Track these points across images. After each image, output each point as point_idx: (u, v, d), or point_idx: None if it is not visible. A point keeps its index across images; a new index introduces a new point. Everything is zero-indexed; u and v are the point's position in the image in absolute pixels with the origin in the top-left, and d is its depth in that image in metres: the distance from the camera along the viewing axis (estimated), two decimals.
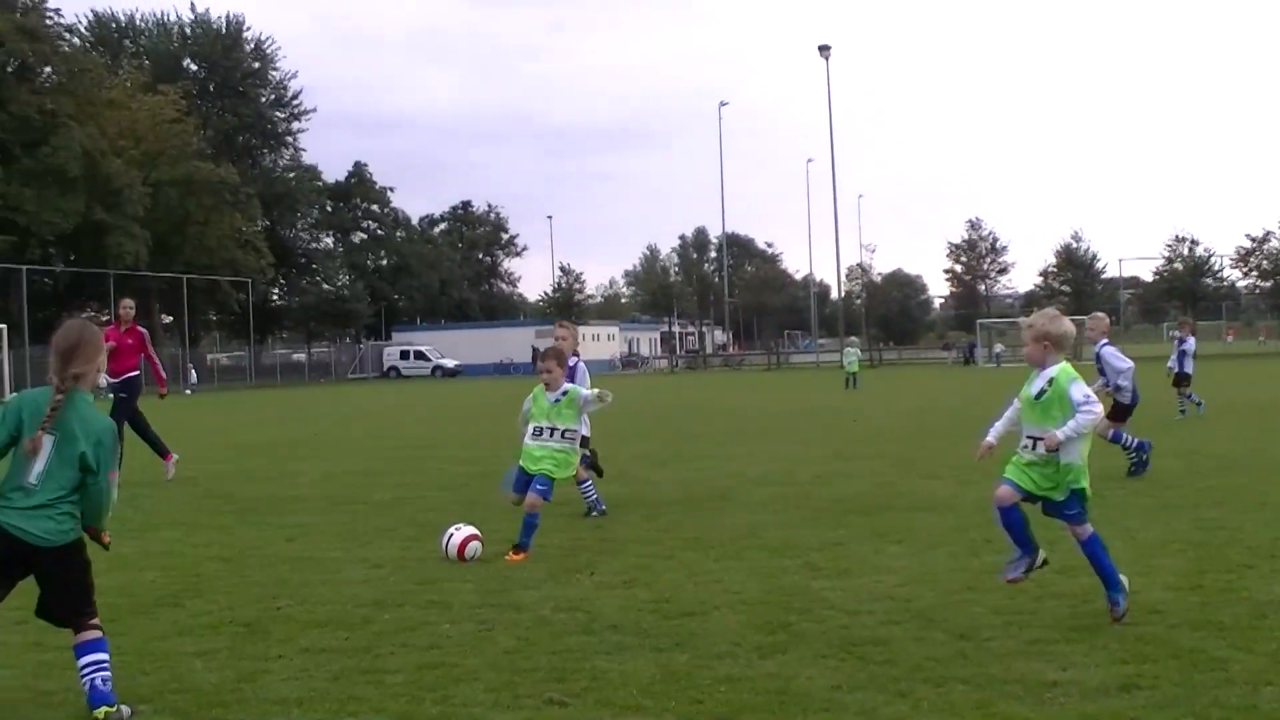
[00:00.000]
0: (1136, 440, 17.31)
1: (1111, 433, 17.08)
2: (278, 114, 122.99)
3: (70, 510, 7.40)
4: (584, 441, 14.79)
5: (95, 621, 7.57)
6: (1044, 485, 8.88)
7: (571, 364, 15.01)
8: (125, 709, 7.27)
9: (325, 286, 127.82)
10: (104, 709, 7.23)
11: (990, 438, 9.31)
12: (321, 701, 7.46)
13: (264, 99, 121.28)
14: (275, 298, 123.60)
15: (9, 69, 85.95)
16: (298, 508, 16.74)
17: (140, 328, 21.85)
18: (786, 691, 7.28)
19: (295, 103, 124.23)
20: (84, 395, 7.68)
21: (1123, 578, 8.97)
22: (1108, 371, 17.72)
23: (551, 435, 12.84)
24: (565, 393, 12.93)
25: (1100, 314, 18.79)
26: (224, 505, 17.58)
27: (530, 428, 12.98)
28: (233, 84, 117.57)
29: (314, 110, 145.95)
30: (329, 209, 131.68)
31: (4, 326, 72.04)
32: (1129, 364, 17.80)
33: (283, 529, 14.61)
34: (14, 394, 7.24)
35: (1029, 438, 8.93)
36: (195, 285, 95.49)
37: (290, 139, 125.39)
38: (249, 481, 20.87)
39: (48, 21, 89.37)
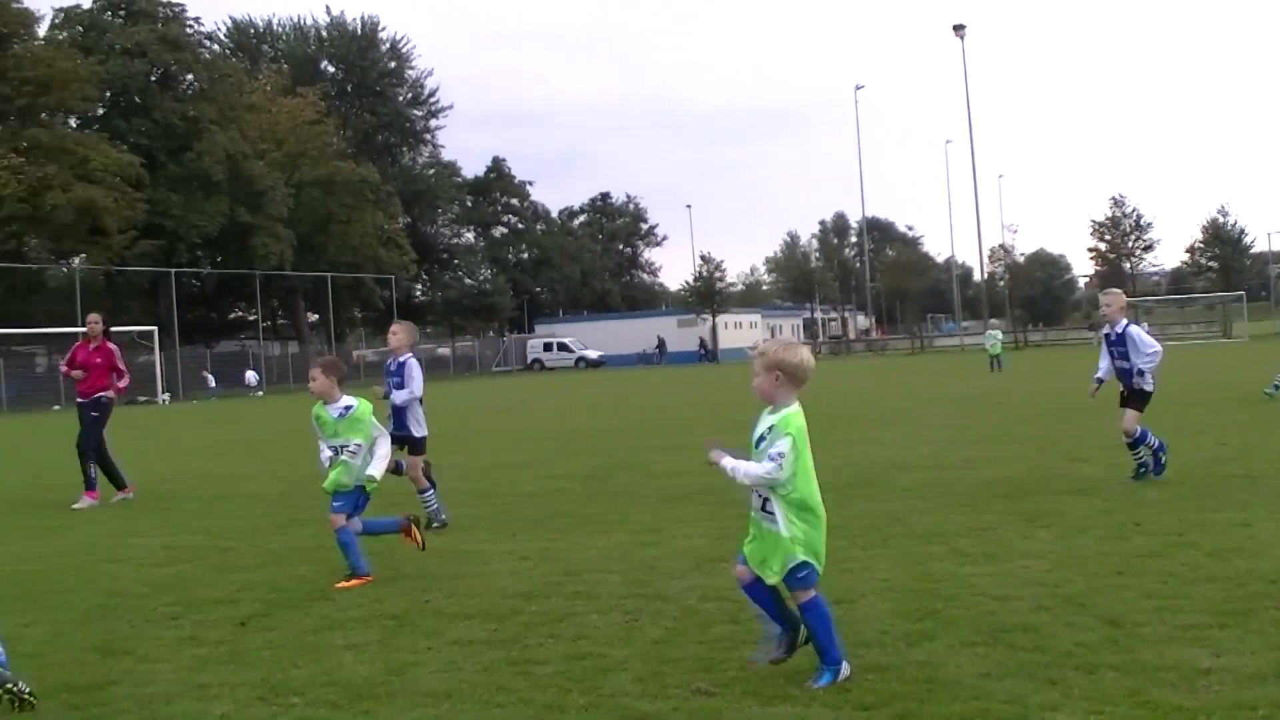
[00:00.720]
0: (1159, 441, 16.09)
1: (1139, 431, 15.83)
2: (415, 112, 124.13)
3: None
4: (417, 447, 14.75)
5: None
6: (754, 559, 7.40)
7: (401, 360, 14.91)
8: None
9: (467, 281, 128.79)
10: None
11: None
12: (470, 693, 7.51)
13: (401, 98, 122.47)
14: (418, 293, 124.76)
15: (153, 78, 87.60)
16: (445, 501, 16.87)
17: (111, 344, 20.15)
18: (934, 680, 7.21)
19: (432, 100, 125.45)
20: None
21: (845, 666, 7.31)
22: (1133, 354, 16.23)
23: (341, 453, 11.51)
24: (350, 408, 11.55)
25: (1115, 290, 17.43)
26: (374, 499, 17.75)
27: (324, 449, 11.66)
28: (370, 84, 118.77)
29: (451, 107, 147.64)
30: (469, 204, 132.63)
31: (155, 328, 73.44)
32: (1158, 348, 16.54)
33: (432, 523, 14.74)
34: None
35: (756, 494, 7.41)
36: (339, 283, 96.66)
37: (428, 136, 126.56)
38: (396, 476, 21.07)
39: (188, 30, 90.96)
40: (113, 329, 21.97)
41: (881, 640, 8.18)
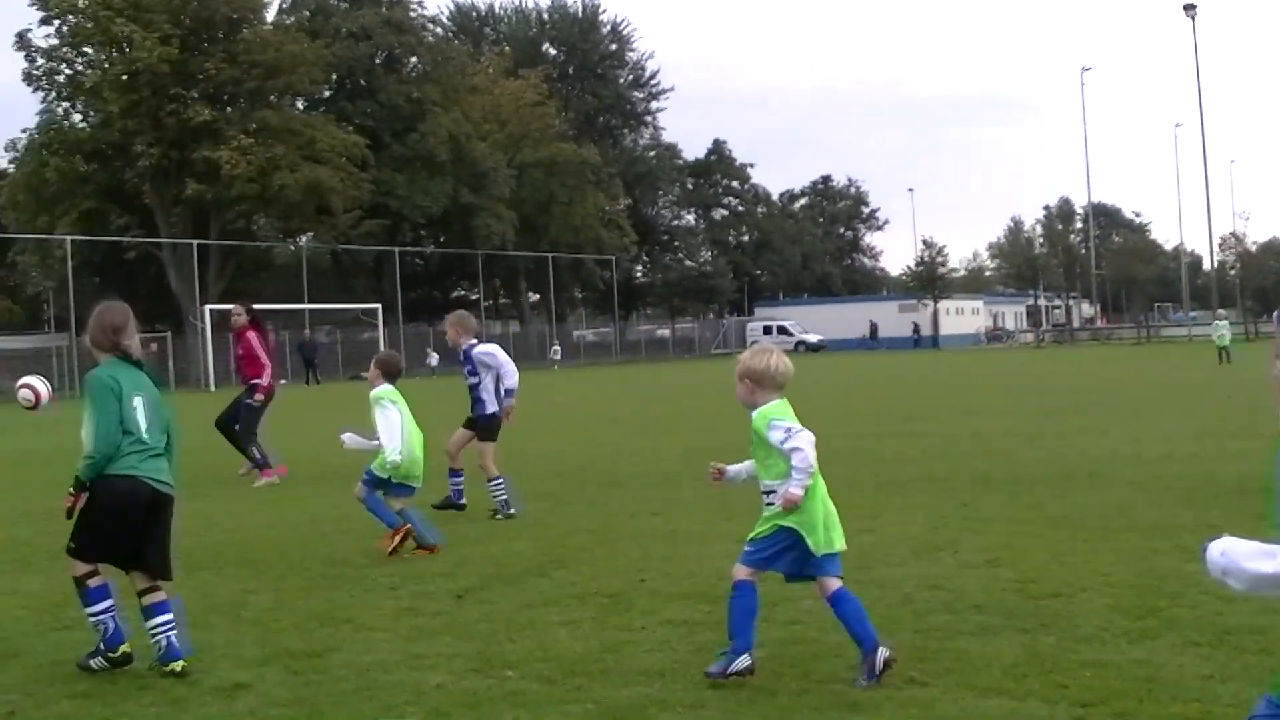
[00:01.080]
0: None
1: None
2: (636, 94, 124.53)
3: (168, 460, 8.24)
4: (486, 431, 14.87)
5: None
6: None
7: (465, 350, 15.01)
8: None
9: (688, 263, 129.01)
10: (181, 664, 7.98)
11: None
12: (683, 673, 7.53)
13: (622, 80, 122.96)
14: (639, 275, 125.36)
15: (377, 60, 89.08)
16: (663, 482, 16.93)
17: (251, 333, 20.36)
18: (1155, 679, 7.04)
19: (653, 82, 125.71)
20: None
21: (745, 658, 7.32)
22: None
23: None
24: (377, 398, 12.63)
25: None
26: (591, 478, 17.91)
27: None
28: (591, 66, 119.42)
29: (672, 89, 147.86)
30: (690, 186, 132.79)
31: (379, 306, 74.77)
32: None
33: (649, 503, 14.80)
34: (93, 377, 7.90)
35: (764, 491, 7.53)
36: (560, 263, 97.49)
37: (649, 118, 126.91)
38: (615, 455, 21.22)
39: (412, 14, 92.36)
40: (257, 309, 21.86)
41: (1101, 636, 8.02)
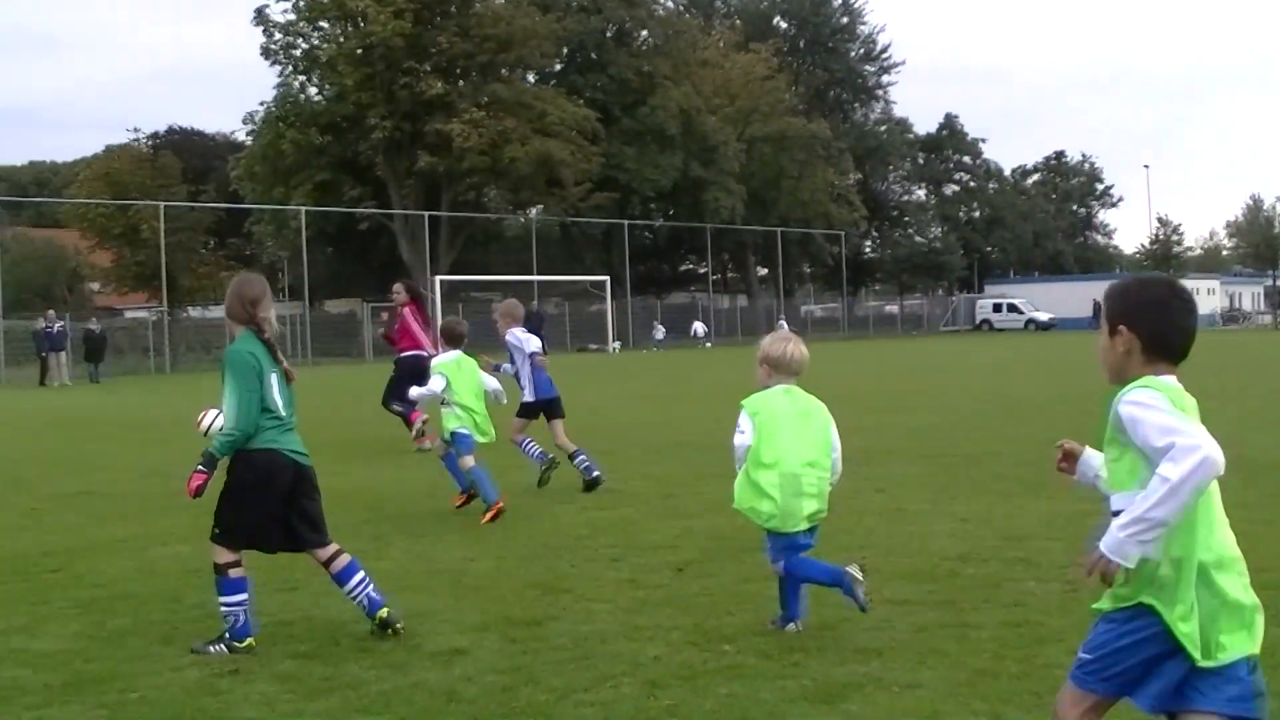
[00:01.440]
0: None
1: None
2: (867, 68, 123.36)
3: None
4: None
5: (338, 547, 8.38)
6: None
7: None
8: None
9: (917, 239, 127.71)
10: (384, 610, 8.18)
11: None
12: (903, 653, 7.43)
13: (853, 54, 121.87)
14: (868, 250, 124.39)
15: (608, 34, 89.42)
16: (887, 459, 16.75)
17: (408, 309, 21.61)
18: None
19: (884, 56, 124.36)
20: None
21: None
22: None
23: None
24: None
25: None
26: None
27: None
28: (822, 40, 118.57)
29: (903, 63, 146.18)
30: (920, 161, 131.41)
31: (607, 278, 75.23)
32: None
33: (872, 480, 14.65)
34: (234, 353, 8.11)
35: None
36: (789, 238, 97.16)
37: (880, 92, 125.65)
38: (841, 433, 21.07)
39: None
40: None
41: None
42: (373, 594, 8.22)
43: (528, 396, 15.31)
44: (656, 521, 12.30)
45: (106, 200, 71.42)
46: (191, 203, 75.62)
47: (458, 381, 13.47)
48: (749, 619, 8.24)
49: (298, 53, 79.26)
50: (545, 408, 15.30)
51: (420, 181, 78.39)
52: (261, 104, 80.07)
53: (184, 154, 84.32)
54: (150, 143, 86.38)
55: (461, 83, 78.88)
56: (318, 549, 8.26)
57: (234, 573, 8.13)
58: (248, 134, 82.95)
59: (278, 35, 78.39)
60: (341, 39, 76.52)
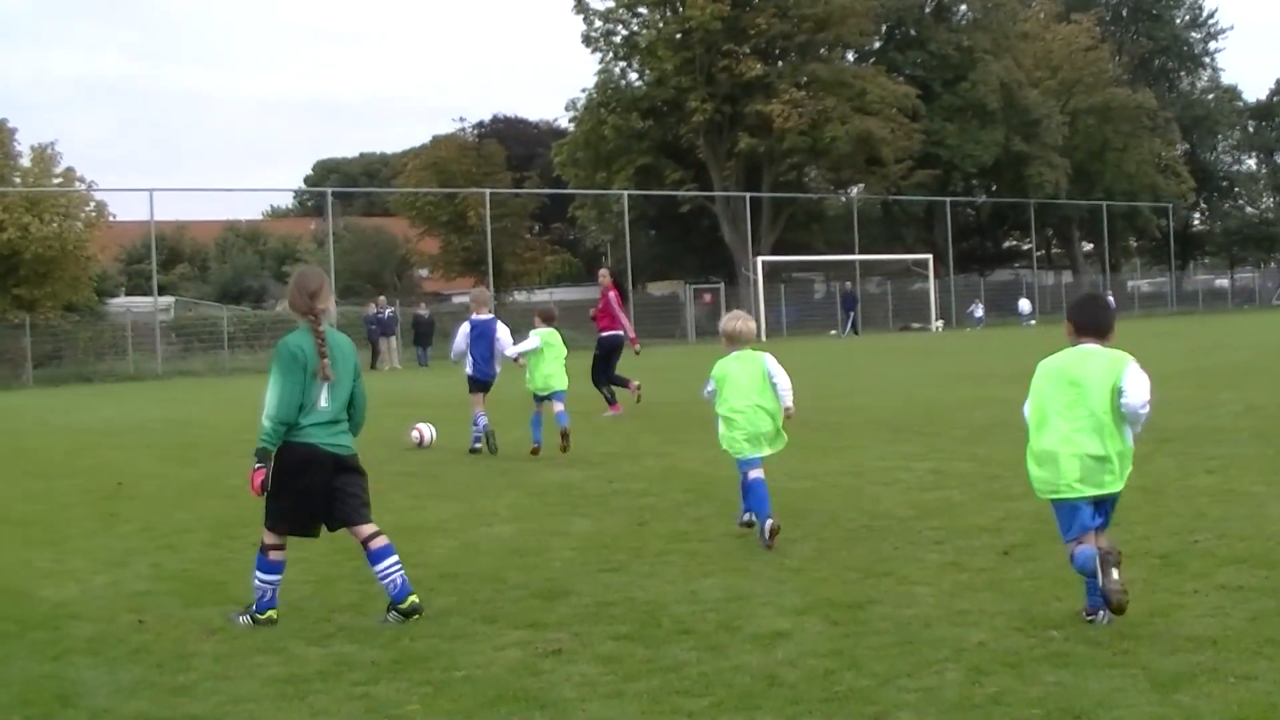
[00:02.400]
0: None
1: None
2: (1193, 35, 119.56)
3: (348, 426, 8.81)
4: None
5: (378, 528, 8.78)
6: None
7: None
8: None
9: (1248, 210, 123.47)
10: (411, 598, 8.55)
11: None
12: (1237, 641, 7.18)
13: (1179, 20, 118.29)
14: (1196, 222, 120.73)
15: (926, 9, 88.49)
16: (1219, 439, 16.24)
17: (611, 293, 24.94)
18: None
19: (1211, 22, 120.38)
20: (327, 325, 8.78)
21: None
22: None
23: None
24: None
25: None
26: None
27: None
28: (1146, 8, 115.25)
29: (1231, 28, 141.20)
30: (1250, 130, 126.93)
31: (929, 256, 74.59)
32: None
33: (1201, 460, 14.23)
34: (282, 345, 8.62)
35: None
36: (1115, 212, 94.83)
37: (1207, 59, 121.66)
38: (1168, 410, 20.51)
39: None
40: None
41: None
42: (402, 579, 8.58)
43: (468, 371, 18.82)
44: (980, 504, 12.14)
45: (434, 189, 73.32)
46: (516, 189, 77.07)
47: (548, 349, 18.41)
48: (1076, 605, 8.06)
49: (617, 39, 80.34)
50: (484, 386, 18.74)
51: (741, 163, 78.70)
52: (583, 91, 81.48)
53: (508, 142, 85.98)
54: (475, 132, 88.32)
55: (780, 63, 78.96)
56: (357, 526, 8.69)
57: (274, 555, 8.70)
58: (570, 120, 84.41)
59: (598, 23, 79.63)
60: (661, 24, 77.31)
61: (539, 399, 18.36)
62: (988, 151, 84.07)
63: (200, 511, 13.96)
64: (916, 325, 74.56)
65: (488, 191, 68.01)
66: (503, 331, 18.67)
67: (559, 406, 18.07)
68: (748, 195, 75.40)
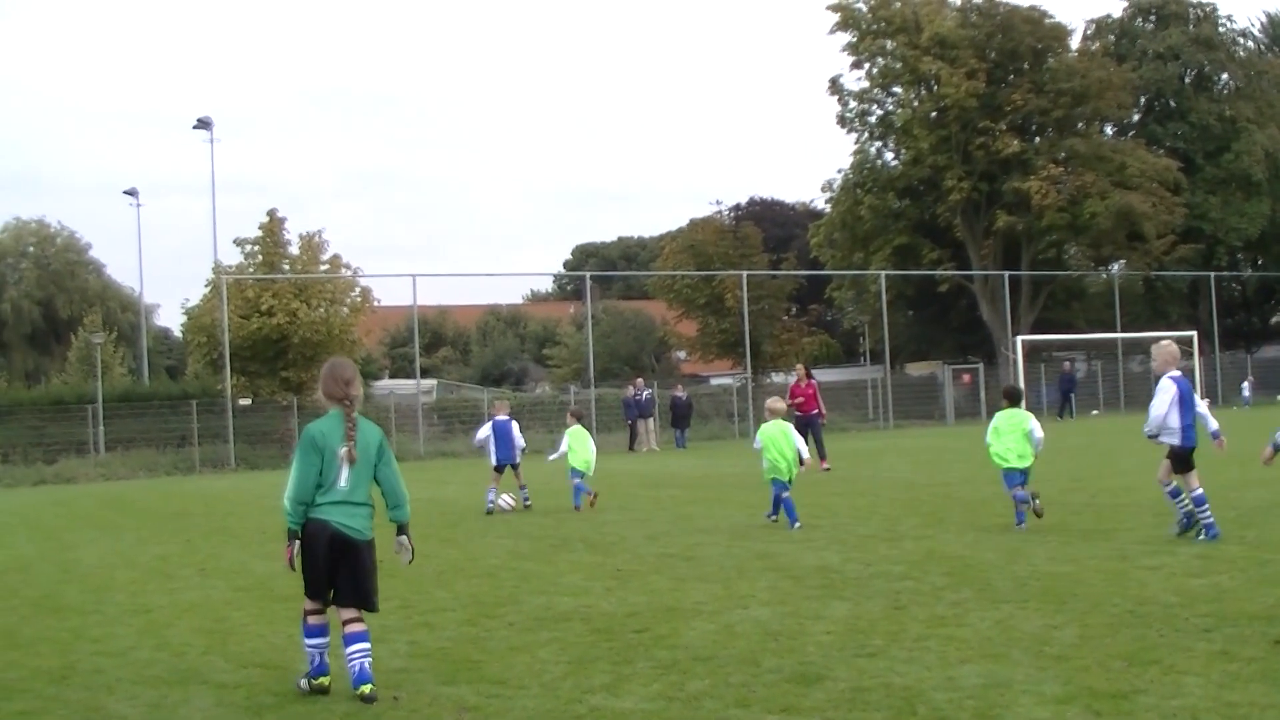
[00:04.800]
0: None
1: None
2: None
3: (370, 512, 9.40)
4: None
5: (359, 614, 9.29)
6: None
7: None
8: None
9: None
10: (366, 686, 8.96)
11: None
12: None
13: None
14: None
15: (1186, 80, 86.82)
16: None
17: (812, 383, 33.40)
18: None
19: None
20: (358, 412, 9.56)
21: None
22: None
23: None
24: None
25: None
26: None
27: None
28: None
29: None
30: None
31: (1194, 333, 72.82)
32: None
33: None
34: (307, 430, 9.47)
35: None
36: None
37: None
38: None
39: (1221, 29, 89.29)
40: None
41: None
42: (365, 666, 9.08)
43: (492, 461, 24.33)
44: (1251, 589, 11.77)
45: (691, 272, 73.84)
46: (773, 271, 77.18)
47: (577, 443, 23.90)
48: None
49: (872, 119, 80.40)
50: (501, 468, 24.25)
51: (999, 240, 77.89)
52: (839, 171, 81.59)
53: (764, 224, 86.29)
54: (732, 214, 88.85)
55: (1037, 139, 78.20)
56: (343, 609, 9.27)
57: (312, 620, 9.40)
58: (826, 201, 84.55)
59: (852, 103, 79.78)
60: (916, 103, 77.07)
61: (577, 473, 23.72)
62: (1253, 224, 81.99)
63: (458, 590, 14.20)
64: (1095, 412, 72.44)
65: (745, 273, 68.15)
66: (515, 429, 24.30)
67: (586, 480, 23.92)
68: (1006, 274, 74.45)
